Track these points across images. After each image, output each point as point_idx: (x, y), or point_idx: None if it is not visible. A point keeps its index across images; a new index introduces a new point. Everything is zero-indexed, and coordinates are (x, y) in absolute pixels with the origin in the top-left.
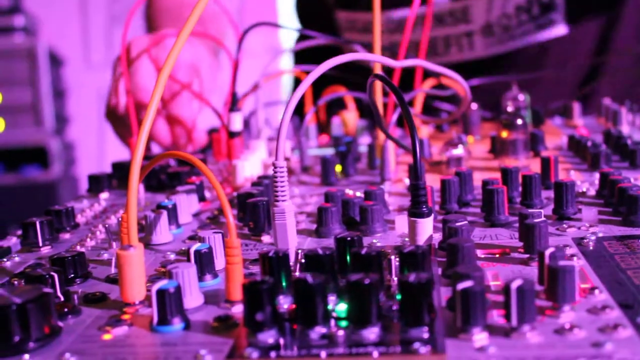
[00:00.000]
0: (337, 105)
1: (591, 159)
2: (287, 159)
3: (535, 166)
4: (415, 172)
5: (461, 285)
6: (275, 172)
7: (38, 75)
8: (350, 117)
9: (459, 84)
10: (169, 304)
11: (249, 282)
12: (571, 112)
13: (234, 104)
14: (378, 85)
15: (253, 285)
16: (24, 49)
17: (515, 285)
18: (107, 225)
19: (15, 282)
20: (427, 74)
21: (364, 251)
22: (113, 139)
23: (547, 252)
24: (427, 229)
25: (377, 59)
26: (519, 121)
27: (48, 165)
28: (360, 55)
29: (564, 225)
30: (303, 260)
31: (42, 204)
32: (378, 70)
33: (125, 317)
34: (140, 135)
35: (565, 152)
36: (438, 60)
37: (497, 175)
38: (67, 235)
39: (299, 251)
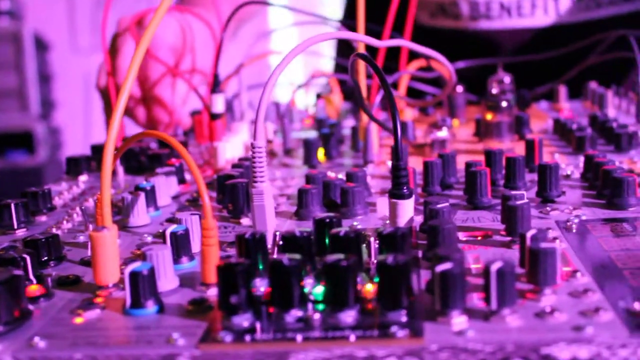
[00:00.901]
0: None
1: (576, 142)
2: (269, 142)
3: (519, 149)
4: (396, 153)
5: (440, 268)
6: (254, 153)
7: (24, 59)
8: (334, 100)
9: (444, 66)
10: (142, 286)
11: (223, 264)
12: (557, 95)
13: (215, 85)
14: (361, 66)
15: (228, 267)
16: (10, 33)
17: (495, 267)
18: (83, 207)
19: None
20: (413, 55)
21: (342, 233)
22: (99, 124)
23: (529, 234)
24: (408, 211)
25: (360, 38)
26: (504, 103)
27: (34, 150)
28: (341, 33)
29: (548, 208)
30: (280, 243)
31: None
32: (362, 50)
33: (98, 300)
34: (114, 115)
35: (550, 135)
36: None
37: (482, 158)
38: (43, 218)
39: (277, 233)
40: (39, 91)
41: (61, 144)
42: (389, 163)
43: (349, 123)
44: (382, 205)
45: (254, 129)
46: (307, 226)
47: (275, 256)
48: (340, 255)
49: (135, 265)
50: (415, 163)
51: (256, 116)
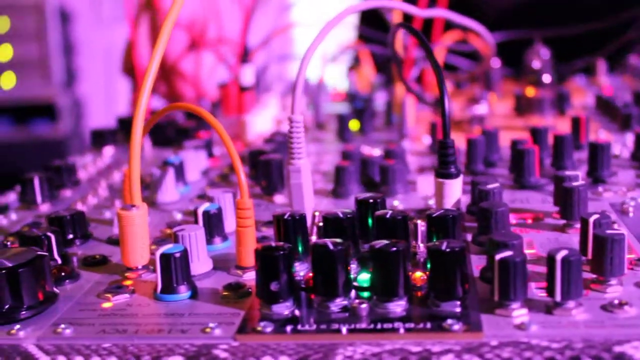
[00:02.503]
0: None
1: (622, 119)
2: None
3: (562, 126)
4: (444, 129)
5: (500, 255)
6: (292, 128)
7: (47, 30)
8: (366, 73)
9: (482, 39)
10: (174, 270)
11: (262, 248)
12: (596, 69)
13: (245, 55)
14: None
15: (267, 251)
16: (33, 3)
17: (560, 255)
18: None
19: (9, 243)
20: (448, 26)
21: (388, 215)
22: (122, 96)
23: (592, 219)
24: (455, 191)
25: (400, 7)
26: (546, 78)
27: (57, 121)
28: (382, 2)
29: (600, 189)
30: (321, 224)
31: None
32: (398, 19)
33: (127, 283)
34: (143, 87)
35: (591, 111)
36: None
37: (521, 134)
38: (68, 193)
39: (316, 213)
40: (62, 62)
41: (84, 115)
42: (426, 139)
43: (380, 96)
44: (424, 183)
45: (292, 102)
46: (345, 205)
47: (315, 239)
48: (388, 240)
49: (167, 247)
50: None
51: (294, 89)
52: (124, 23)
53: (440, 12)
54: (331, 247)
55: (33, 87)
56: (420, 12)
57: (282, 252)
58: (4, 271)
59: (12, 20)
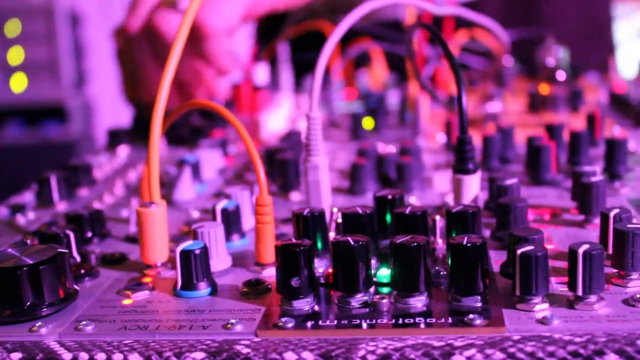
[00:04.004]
0: (363, 59)
1: (636, 116)
2: None
3: (575, 123)
4: (461, 126)
5: (521, 249)
6: (309, 125)
7: (57, 32)
8: (378, 72)
9: (497, 36)
10: (194, 266)
11: (283, 244)
12: (608, 66)
13: (258, 54)
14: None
15: (289, 247)
16: (43, 6)
17: (582, 250)
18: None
19: (29, 241)
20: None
21: (408, 211)
22: None
23: (612, 214)
24: (474, 187)
25: (417, 4)
26: (561, 76)
27: (67, 123)
28: None
29: (617, 184)
30: (340, 220)
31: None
32: (412, 17)
33: (147, 280)
34: (162, 85)
35: (604, 107)
36: None
37: (535, 131)
38: (84, 192)
39: (334, 210)
40: (72, 64)
41: (94, 117)
42: (439, 136)
43: (392, 95)
44: (440, 180)
45: (309, 99)
46: (361, 202)
47: (334, 235)
48: (408, 236)
49: (187, 244)
50: None
51: (312, 86)
52: None
53: (457, 10)
54: (352, 243)
55: (43, 89)
56: (437, 10)
57: (303, 248)
58: (25, 268)
59: (23, 23)
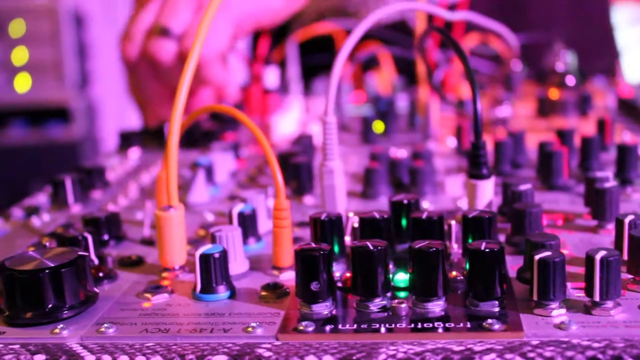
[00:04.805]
0: (371, 62)
1: None
2: None
3: (585, 128)
4: (476, 131)
5: (539, 255)
6: (325, 129)
7: (61, 33)
8: (387, 75)
9: (507, 41)
10: (213, 270)
11: (303, 249)
12: (616, 70)
13: (268, 57)
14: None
15: (308, 251)
16: (48, 7)
17: (599, 256)
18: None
19: (47, 244)
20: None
21: (425, 215)
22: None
23: (627, 220)
24: (488, 192)
25: (430, 9)
26: (571, 81)
27: (70, 124)
28: (412, 4)
29: (628, 190)
30: (356, 225)
31: (65, 164)
32: (422, 21)
33: (165, 283)
34: (180, 89)
35: (613, 112)
36: None
37: (545, 136)
38: (97, 194)
39: (350, 214)
40: (76, 65)
41: (98, 119)
42: (450, 141)
43: (401, 98)
44: (452, 185)
45: (325, 103)
46: (374, 206)
47: (349, 239)
48: (426, 241)
49: (206, 248)
50: None
51: (328, 90)
52: None
53: (468, 15)
54: (371, 248)
55: (47, 89)
56: (450, 15)
57: (322, 253)
58: (47, 271)
59: (27, 24)
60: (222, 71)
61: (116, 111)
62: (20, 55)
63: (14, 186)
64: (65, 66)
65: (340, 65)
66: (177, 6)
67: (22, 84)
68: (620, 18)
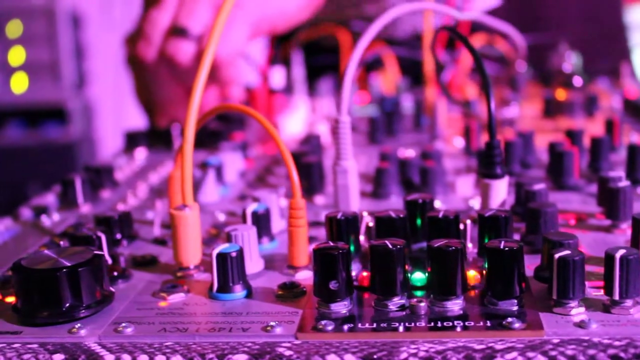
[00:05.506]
0: (375, 63)
1: None
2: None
3: (591, 128)
4: (490, 130)
5: (559, 254)
6: (339, 129)
7: (58, 33)
8: (391, 76)
9: (514, 42)
10: (230, 269)
11: (322, 248)
12: (620, 72)
13: (274, 57)
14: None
15: (327, 250)
16: (45, 7)
17: (619, 254)
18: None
19: (62, 243)
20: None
21: (441, 214)
22: (133, 99)
23: None
24: (501, 192)
25: (440, 9)
26: (578, 81)
27: (67, 125)
28: (424, 4)
29: (639, 190)
30: (371, 224)
31: (63, 164)
32: (429, 22)
33: (181, 282)
34: (195, 88)
35: (619, 113)
36: None
37: (552, 136)
38: (106, 193)
39: (364, 214)
40: (73, 65)
41: (95, 120)
42: (457, 141)
43: (406, 99)
44: (463, 184)
45: (339, 103)
46: (385, 206)
47: (363, 239)
48: (444, 240)
49: (223, 247)
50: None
51: (341, 90)
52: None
53: (478, 16)
54: (390, 247)
55: (44, 90)
56: (460, 16)
57: (341, 252)
58: (64, 270)
59: (24, 24)
60: (238, 72)
61: (113, 112)
62: (17, 56)
63: (11, 187)
64: (62, 67)
65: (354, 66)
66: (195, 6)
67: (19, 84)
68: (634, 18)
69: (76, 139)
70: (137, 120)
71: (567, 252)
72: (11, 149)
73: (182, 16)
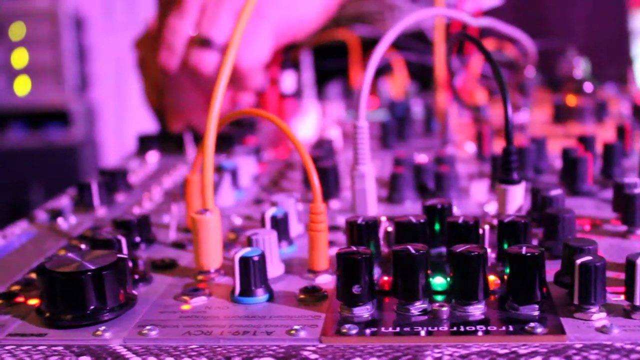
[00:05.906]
0: (384, 68)
1: None
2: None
3: (602, 134)
4: (507, 136)
5: (580, 260)
6: (357, 134)
7: (61, 36)
8: (400, 81)
9: (525, 48)
10: (252, 273)
11: (345, 252)
12: (628, 77)
13: (285, 61)
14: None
15: (350, 255)
16: (48, 10)
17: None
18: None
19: (83, 246)
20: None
21: (461, 220)
22: (135, 101)
23: None
24: (518, 197)
25: (456, 15)
26: (589, 87)
27: (70, 127)
28: (439, 10)
29: None
30: (390, 229)
31: (65, 167)
32: (441, 28)
33: (202, 286)
34: (216, 91)
35: (628, 119)
36: None
37: (563, 142)
38: (121, 197)
39: (383, 219)
40: (76, 68)
41: (97, 122)
42: (468, 146)
43: (415, 104)
44: (477, 190)
45: (357, 108)
46: (400, 211)
47: (382, 243)
48: (466, 245)
49: (245, 251)
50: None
51: (359, 95)
52: (136, 29)
53: (491, 22)
54: (413, 251)
55: (47, 92)
56: (474, 22)
57: (364, 256)
58: (89, 273)
59: (27, 27)
60: (260, 82)
61: (116, 114)
62: (20, 58)
63: (14, 189)
64: (64, 69)
65: (372, 71)
66: (218, 15)
67: (22, 86)
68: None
69: (78, 141)
70: (139, 123)
71: (588, 257)
72: (14, 151)
73: (206, 25)
